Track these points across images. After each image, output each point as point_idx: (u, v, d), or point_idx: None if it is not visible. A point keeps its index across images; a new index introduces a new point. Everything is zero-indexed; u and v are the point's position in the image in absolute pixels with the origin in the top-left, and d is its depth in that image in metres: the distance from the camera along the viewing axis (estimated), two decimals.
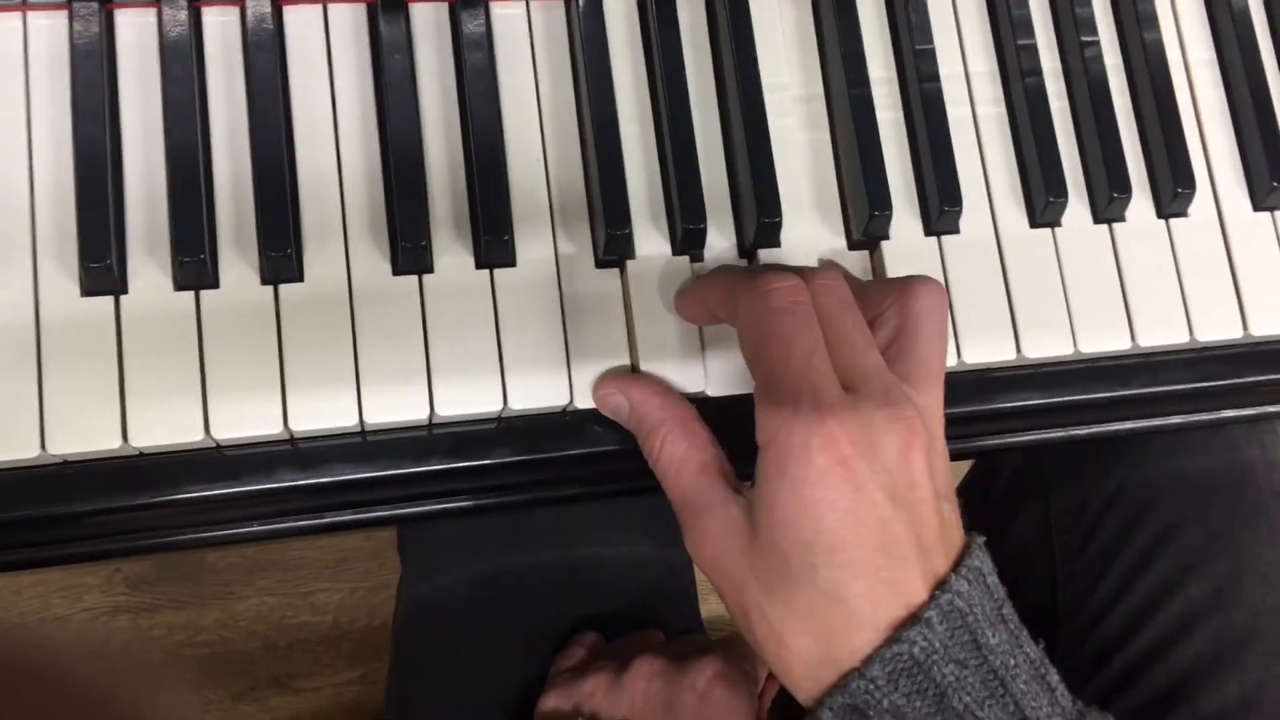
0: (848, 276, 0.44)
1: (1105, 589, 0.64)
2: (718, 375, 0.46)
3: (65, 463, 0.42)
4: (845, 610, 0.37)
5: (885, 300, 0.42)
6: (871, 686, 0.36)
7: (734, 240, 0.48)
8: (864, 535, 0.37)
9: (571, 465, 0.47)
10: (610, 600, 0.60)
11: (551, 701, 0.51)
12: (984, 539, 0.39)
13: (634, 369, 0.45)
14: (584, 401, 0.45)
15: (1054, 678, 0.39)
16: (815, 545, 0.37)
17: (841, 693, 0.37)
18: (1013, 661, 0.38)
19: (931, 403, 0.40)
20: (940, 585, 0.37)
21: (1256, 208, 0.52)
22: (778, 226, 0.47)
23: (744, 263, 0.48)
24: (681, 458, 0.41)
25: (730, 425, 0.43)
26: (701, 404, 0.45)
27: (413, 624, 0.62)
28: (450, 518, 0.49)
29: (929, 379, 0.40)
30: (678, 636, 0.59)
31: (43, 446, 0.41)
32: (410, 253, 0.44)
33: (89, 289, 0.42)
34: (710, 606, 1.26)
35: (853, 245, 0.49)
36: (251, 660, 1.18)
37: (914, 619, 0.36)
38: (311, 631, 1.20)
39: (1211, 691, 0.60)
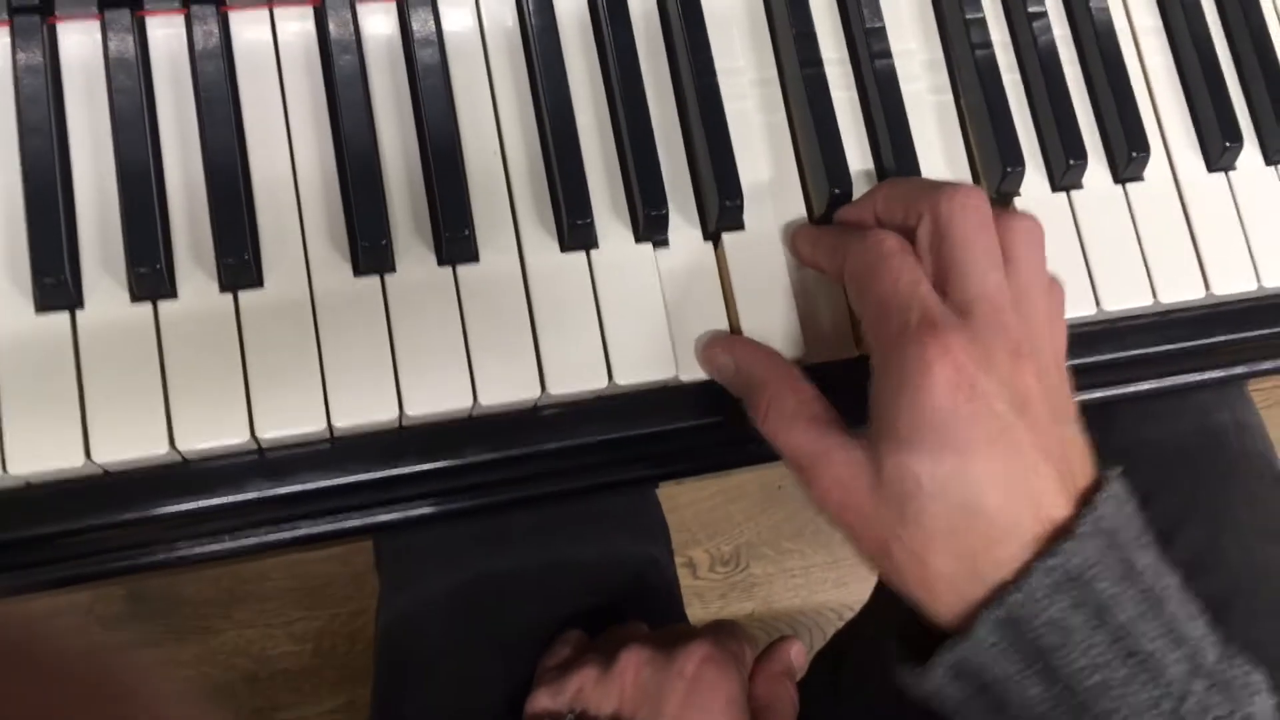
0: None
1: None
2: (688, 360, 0.46)
3: (28, 485, 0.41)
4: (984, 521, 0.37)
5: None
6: (1029, 599, 0.36)
7: (699, 225, 0.48)
8: (989, 443, 0.37)
9: (546, 460, 0.47)
10: (593, 599, 0.59)
11: (540, 700, 0.50)
12: (1120, 469, 0.40)
13: (606, 359, 0.45)
14: (557, 391, 0.45)
15: (1198, 606, 0.39)
16: (943, 457, 0.37)
17: (998, 606, 0.37)
18: (1162, 584, 0.38)
19: (1039, 329, 0.40)
20: (1086, 504, 0.38)
21: (1211, 169, 0.52)
22: (740, 209, 0.47)
23: (709, 247, 0.47)
24: (792, 413, 0.41)
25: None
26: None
27: (392, 639, 0.61)
28: (426, 524, 0.48)
29: (1034, 308, 0.41)
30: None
31: (3, 468, 0.40)
32: (370, 252, 0.43)
33: (43, 305, 0.41)
34: (693, 611, 1.25)
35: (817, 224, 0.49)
36: (233, 693, 1.16)
37: (1064, 533, 0.37)
38: (293, 661, 1.18)
39: None
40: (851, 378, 0.42)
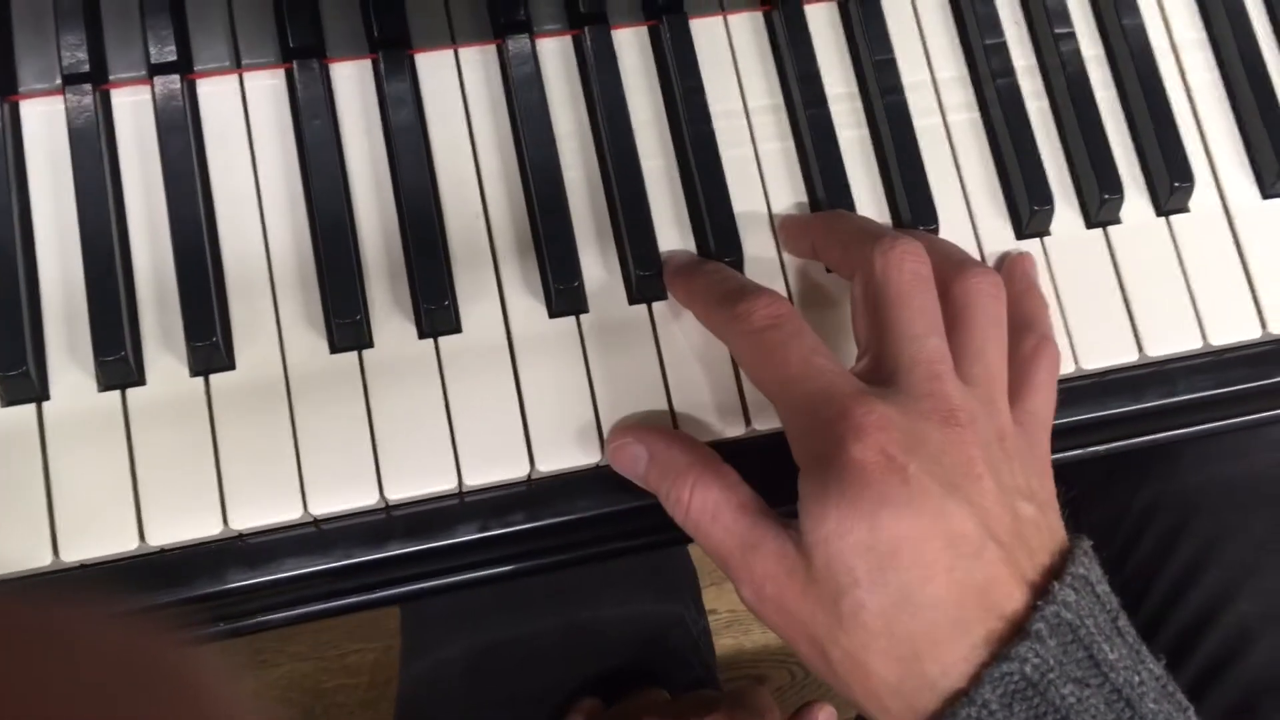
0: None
1: (1148, 607, 0.60)
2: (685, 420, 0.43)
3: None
4: (925, 619, 0.33)
5: (944, 282, 0.39)
6: (984, 713, 0.32)
7: None
8: (924, 528, 0.33)
9: (543, 536, 0.44)
10: (612, 661, 0.57)
11: None
12: (1090, 543, 0.36)
13: (598, 425, 0.42)
14: (547, 468, 0.42)
15: (1183, 697, 0.34)
16: (875, 548, 0.33)
17: None
18: (1137, 679, 0.34)
19: (990, 393, 0.37)
20: (1042, 595, 0.33)
21: (1265, 195, 0.48)
22: (738, 264, 0.43)
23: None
24: (717, 501, 0.37)
25: None
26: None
27: (412, 704, 0.59)
28: (425, 597, 0.46)
29: (986, 371, 0.37)
30: (684, 692, 0.56)
31: None
32: (345, 328, 0.41)
33: (8, 399, 0.40)
34: (724, 641, 1.22)
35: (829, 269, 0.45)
36: None
37: (1019, 632, 0.33)
38: (348, 694, 1.18)
39: (1272, 713, 0.55)
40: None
